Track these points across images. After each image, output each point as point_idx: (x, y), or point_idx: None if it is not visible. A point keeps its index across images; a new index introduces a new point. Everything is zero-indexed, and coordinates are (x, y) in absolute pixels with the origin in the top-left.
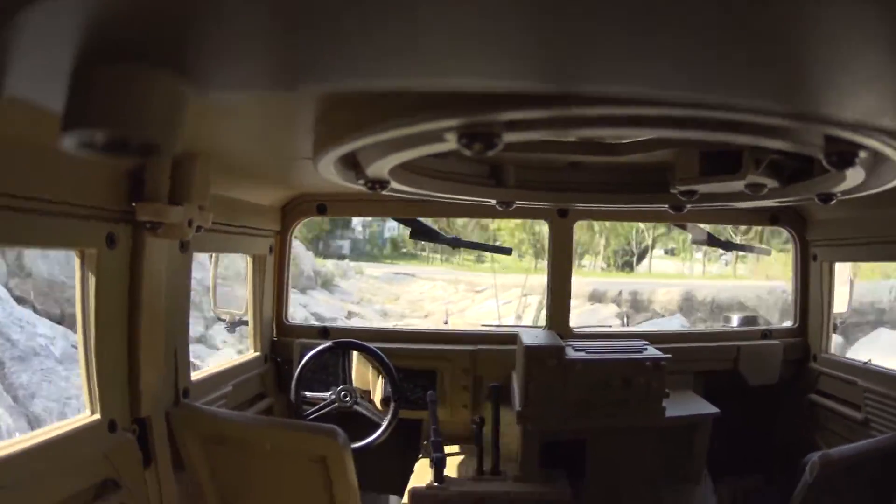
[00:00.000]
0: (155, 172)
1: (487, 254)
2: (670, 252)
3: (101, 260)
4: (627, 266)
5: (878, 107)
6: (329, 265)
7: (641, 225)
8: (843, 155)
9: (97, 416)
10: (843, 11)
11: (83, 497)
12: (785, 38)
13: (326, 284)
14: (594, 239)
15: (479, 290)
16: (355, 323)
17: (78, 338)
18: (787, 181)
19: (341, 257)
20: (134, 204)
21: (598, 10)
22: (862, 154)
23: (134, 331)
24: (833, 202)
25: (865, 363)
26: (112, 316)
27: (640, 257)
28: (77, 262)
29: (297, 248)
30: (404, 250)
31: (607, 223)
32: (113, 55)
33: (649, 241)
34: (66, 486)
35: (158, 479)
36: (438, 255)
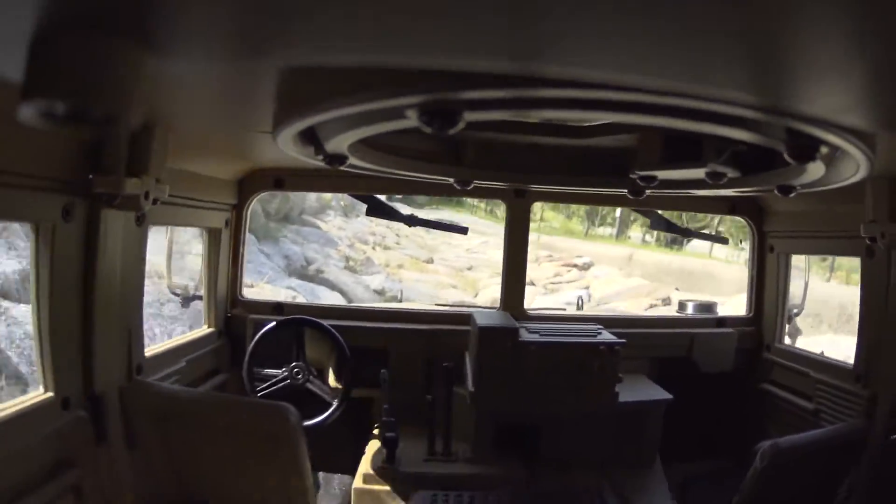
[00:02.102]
0: (112, 144)
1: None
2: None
3: (56, 233)
4: (676, 243)
5: (841, 104)
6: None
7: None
8: (805, 149)
9: (50, 393)
10: (812, 9)
11: (36, 477)
12: (754, 31)
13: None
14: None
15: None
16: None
17: (31, 313)
18: (748, 171)
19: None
20: (90, 176)
21: None
22: (823, 149)
23: (89, 306)
24: (792, 195)
25: (818, 355)
26: (66, 290)
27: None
28: (32, 235)
29: None
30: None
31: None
32: (74, 24)
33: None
34: (20, 468)
35: (111, 456)
36: (484, 205)
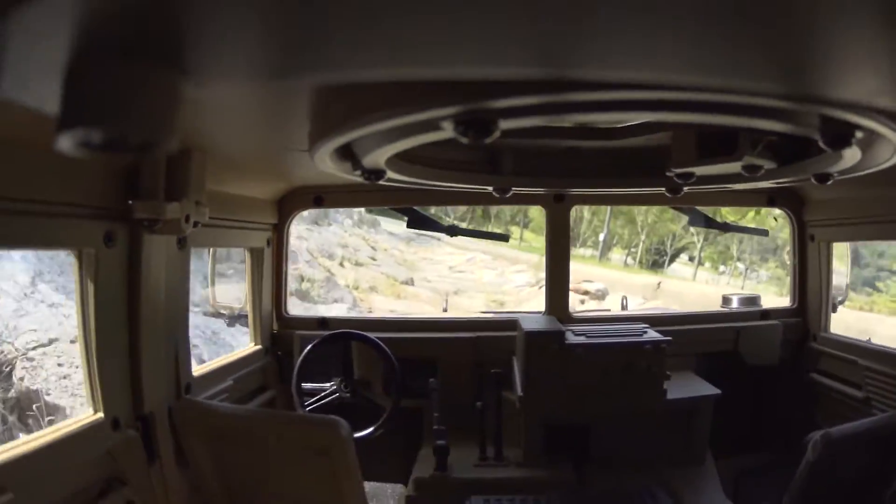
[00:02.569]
0: (151, 169)
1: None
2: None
3: (99, 259)
4: (657, 266)
5: (874, 87)
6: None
7: (678, 228)
8: (840, 135)
9: (100, 414)
10: None
11: (88, 494)
12: (782, 19)
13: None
14: (630, 233)
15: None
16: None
17: (78, 337)
18: (784, 162)
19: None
20: (130, 202)
21: None
22: (858, 134)
23: (134, 328)
24: (830, 182)
25: (866, 342)
26: (112, 314)
27: (672, 258)
28: (75, 262)
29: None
30: (433, 210)
31: (649, 219)
32: (108, 52)
33: (692, 241)
34: (71, 485)
35: (163, 475)
36: (464, 224)
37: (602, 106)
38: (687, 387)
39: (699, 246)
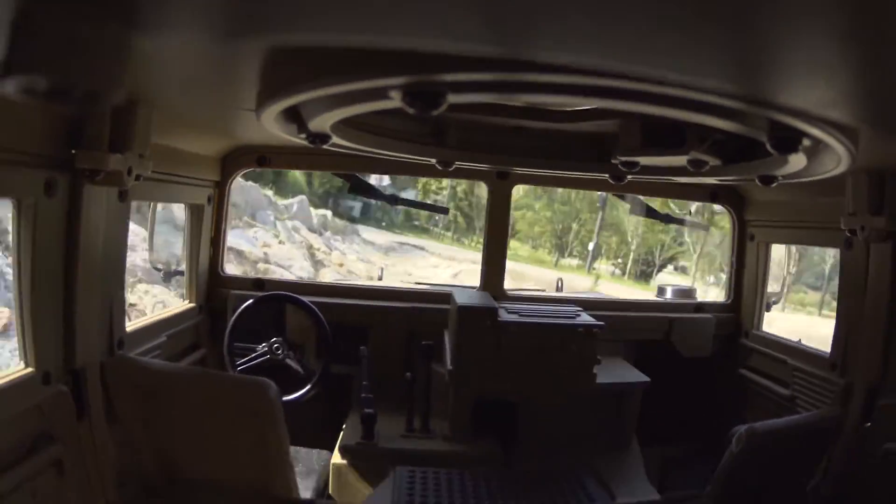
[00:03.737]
0: (95, 120)
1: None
2: (681, 269)
3: (38, 209)
4: (644, 277)
5: (826, 98)
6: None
7: (667, 238)
8: (787, 140)
9: (31, 368)
10: (798, 6)
11: (17, 452)
12: (739, 22)
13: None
14: (618, 243)
15: None
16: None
17: (13, 288)
18: (730, 160)
19: (352, 219)
20: (73, 151)
21: None
22: (805, 141)
23: (70, 281)
24: (774, 185)
25: (796, 343)
26: (48, 266)
27: (660, 269)
28: (13, 210)
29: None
30: (416, 222)
31: (640, 230)
32: (57, 1)
33: (681, 251)
34: (1, 443)
35: (92, 432)
36: (450, 233)
37: (552, 88)
38: (617, 372)
39: (695, 257)
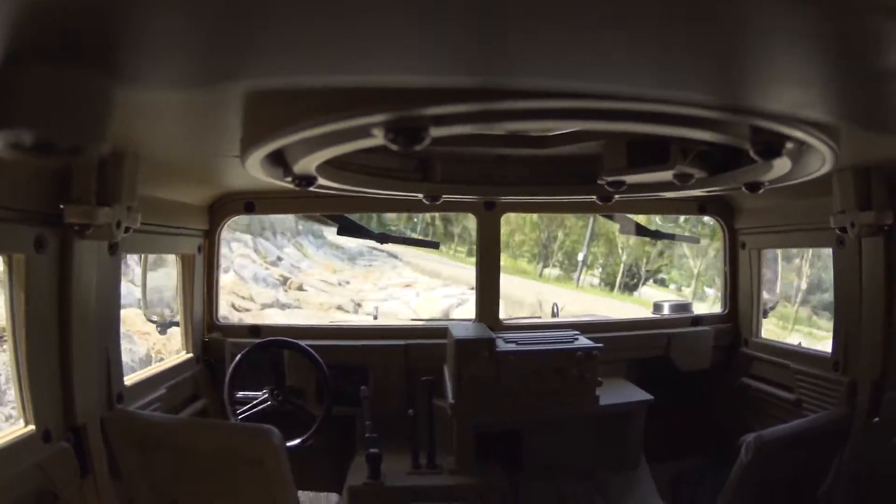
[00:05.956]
0: (82, 173)
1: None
2: (660, 282)
3: (29, 265)
4: (629, 289)
5: (804, 99)
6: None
7: (654, 251)
8: (770, 145)
9: (31, 426)
10: (770, 12)
11: None
12: (714, 33)
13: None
14: (605, 254)
15: None
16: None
17: (8, 346)
18: (715, 171)
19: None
20: (62, 206)
21: (525, 4)
22: (788, 145)
23: (65, 337)
24: (761, 191)
25: (796, 346)
26: (43, 322)
27: (645, 280)
28: (4, 267)
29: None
30: (393, 227)
31: (630, 241)
32: (39, 56)
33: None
34: (1, 501)
35: (97, 488)
36: (452, 251)
37: (533, 114)
38: (619, 393)
39: (695, 268)
